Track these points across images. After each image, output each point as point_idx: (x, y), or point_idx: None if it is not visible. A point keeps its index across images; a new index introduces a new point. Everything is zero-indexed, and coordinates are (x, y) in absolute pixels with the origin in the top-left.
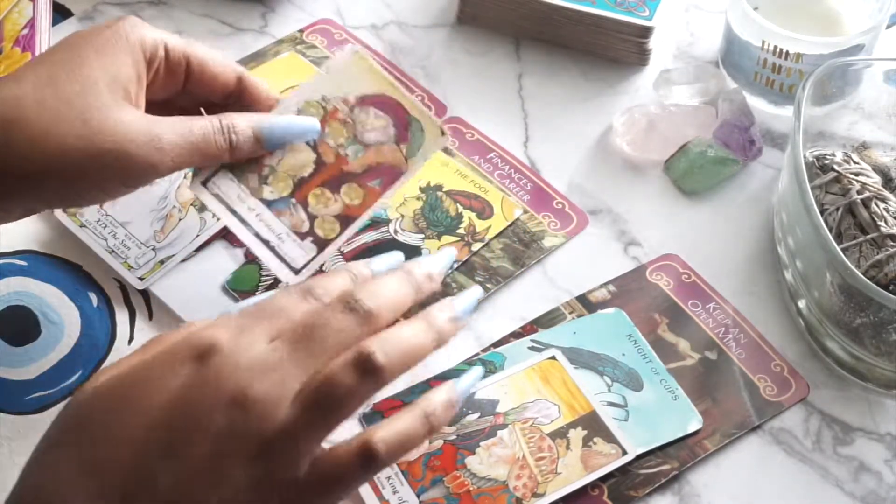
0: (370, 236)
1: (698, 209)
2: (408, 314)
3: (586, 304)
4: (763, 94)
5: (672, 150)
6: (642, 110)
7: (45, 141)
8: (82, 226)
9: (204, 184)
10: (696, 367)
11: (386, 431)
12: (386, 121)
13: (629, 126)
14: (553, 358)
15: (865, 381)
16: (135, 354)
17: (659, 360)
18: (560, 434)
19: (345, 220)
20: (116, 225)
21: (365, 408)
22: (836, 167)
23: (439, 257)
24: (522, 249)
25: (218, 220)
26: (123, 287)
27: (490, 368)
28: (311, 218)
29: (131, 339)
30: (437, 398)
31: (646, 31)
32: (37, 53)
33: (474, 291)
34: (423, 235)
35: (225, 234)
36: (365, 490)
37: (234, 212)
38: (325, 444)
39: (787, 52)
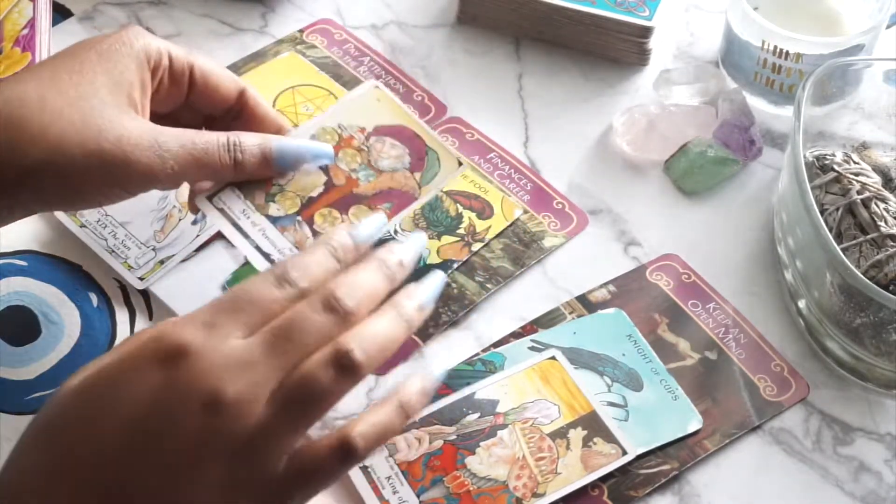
0: None
1: (698, 209)
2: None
3: (586, 304)
4: (763, 94)
5: (672, 150)
6: (642, 110)
7: (46, 138)
8: (82, 226)
9: (209, 199)
10: (696, 367)
11: (364, 426)
12: (402, 150)
13: (629, 126)
14: (553, 358)
15: (865, 381)
16: (110, 353)
17: (659, 360)
18: (560, 434)
19: None
20: (116, 225)
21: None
22: (836, 167)
23: (411, 244)
24: (522, 249)
25: None
26: (123, 287)
27: (490, 368)
28: (316, 235)
29: None
30: (412, 388)
31: (646, 31)
32: (37, 53)
33: (438, 276)
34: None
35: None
36: (365, 490)
37: (237, 226)
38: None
39: (787, 52)
